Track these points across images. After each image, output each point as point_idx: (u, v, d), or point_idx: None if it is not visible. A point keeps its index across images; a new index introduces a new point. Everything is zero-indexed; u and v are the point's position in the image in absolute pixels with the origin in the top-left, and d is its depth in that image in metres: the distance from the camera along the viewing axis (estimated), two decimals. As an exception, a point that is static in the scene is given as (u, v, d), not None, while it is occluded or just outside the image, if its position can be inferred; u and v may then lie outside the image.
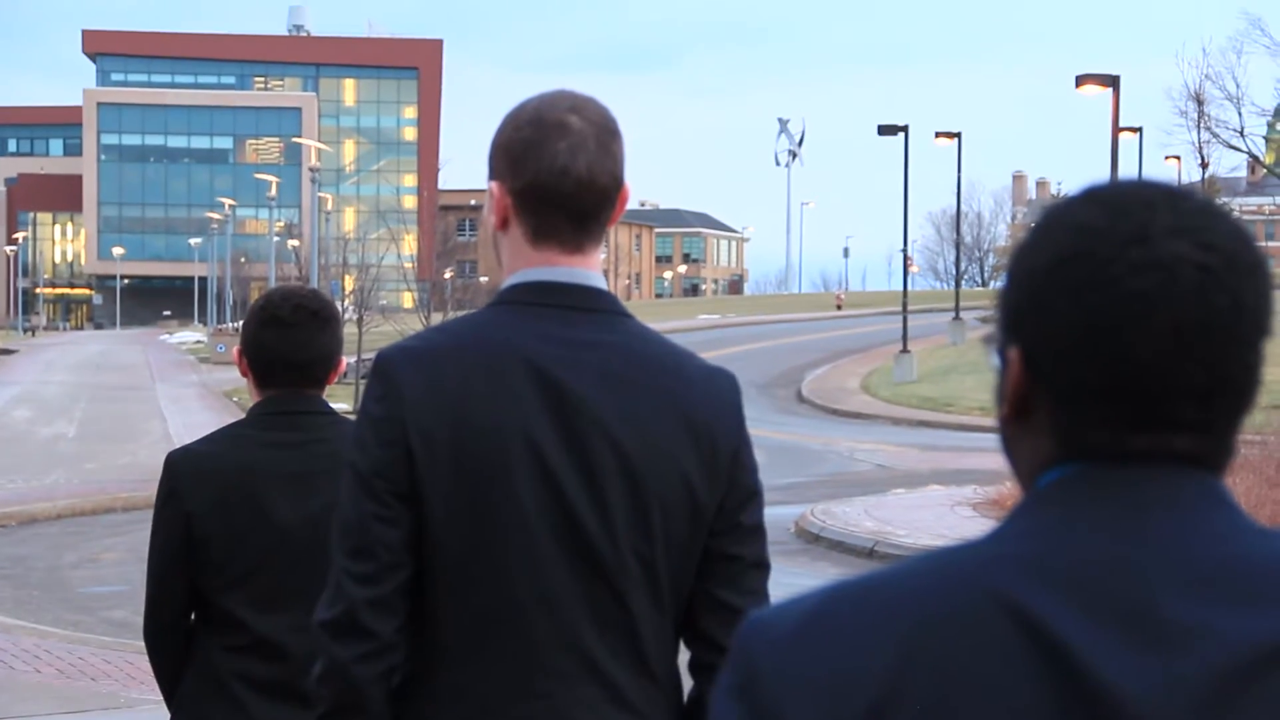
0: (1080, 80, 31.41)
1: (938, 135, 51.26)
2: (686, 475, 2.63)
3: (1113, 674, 1.30)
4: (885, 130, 48.14)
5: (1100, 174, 1.52)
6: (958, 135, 50.96)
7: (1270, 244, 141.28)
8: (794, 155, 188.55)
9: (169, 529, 3.80)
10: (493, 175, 2.71)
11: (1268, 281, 1.38)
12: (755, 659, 1.39)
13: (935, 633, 1.34)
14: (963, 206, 57.38)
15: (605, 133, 2.68)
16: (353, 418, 2.86)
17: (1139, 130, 48.21)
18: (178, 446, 3.90)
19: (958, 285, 65.25)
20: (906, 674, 1.33)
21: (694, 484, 2.64)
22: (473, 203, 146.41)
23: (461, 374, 2.57)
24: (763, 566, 2.74)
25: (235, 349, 3.97)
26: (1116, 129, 30.48)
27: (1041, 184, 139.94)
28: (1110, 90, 30.79)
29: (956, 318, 57.88)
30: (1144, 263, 1.35)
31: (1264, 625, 1.31)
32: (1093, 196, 1.40)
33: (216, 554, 3.77)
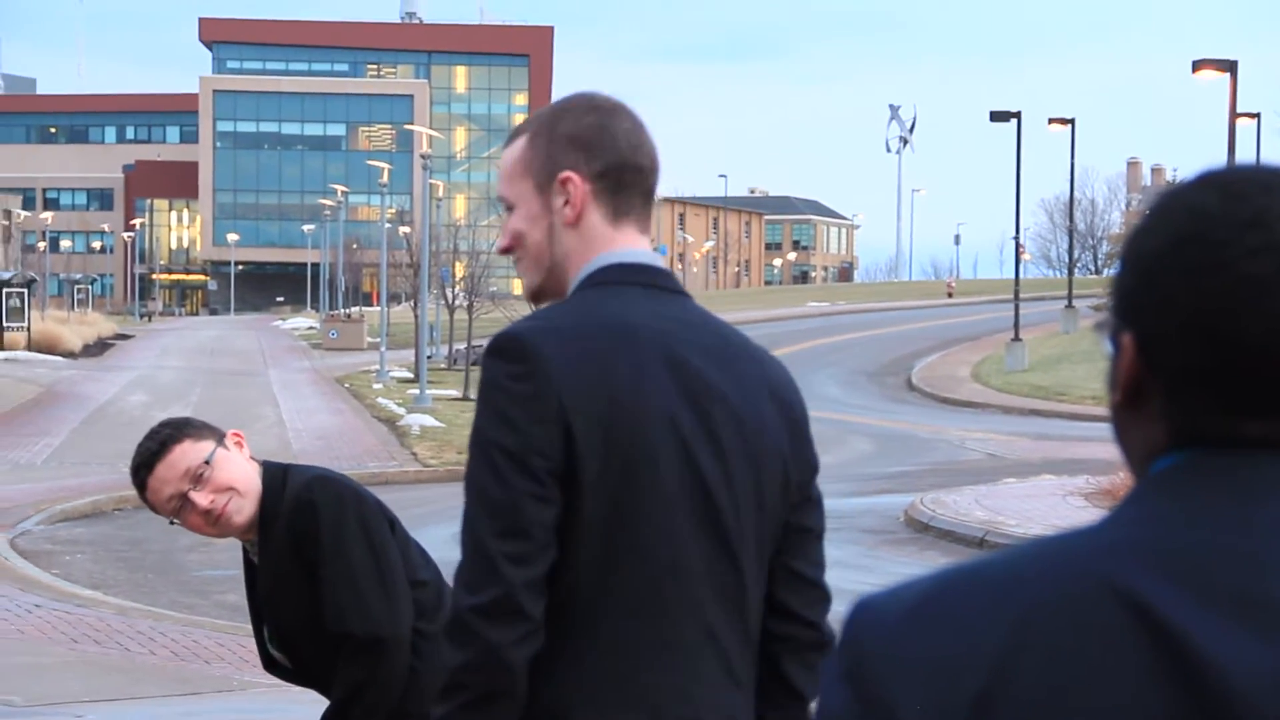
0: (1197, 65, 31.01)
1: (1051, 121, 50.81)
2: (781, 449, 2.74)
3: (1224, 660, 1.29)
4: (997, 117, 47.77)
5: (1217, 160, 1.50)
6: (1071, 121, 50.46)
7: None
8: (905, 142, 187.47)
9: None
10: (555, 172, 2.73)
11: None
12: (864, 643, 1.38)
13: (1045, 619, 1.33)
14: (1076, 193, 56.87)
15: (643, 122, 2.82)
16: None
17: (1257, 116, 47.47)
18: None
19: (1070, 273, 64.63)
20: (1016, 659, 1.32)
21: (786, 457, 2.75)
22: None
23: (602, 352, 2.60)
24: (823, 538, 2.86)
25: None
26: (1234, 115, 30.06)
27: (1157, 171, 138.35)
28: (1228, 75, 30.37)
29: (1069, 306, 57.35)
30: (1260, 247, 1.33)
31: None
32: (1208, 180, 1.39)
33: None
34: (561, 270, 2.74)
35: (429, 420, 31.70)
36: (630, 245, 2.73)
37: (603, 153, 2.72)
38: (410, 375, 44.71)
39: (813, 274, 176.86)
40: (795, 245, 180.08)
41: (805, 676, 2.80)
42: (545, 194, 2.74)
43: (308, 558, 3.92)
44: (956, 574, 1.40)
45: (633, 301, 2.69)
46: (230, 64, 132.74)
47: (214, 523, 3.97)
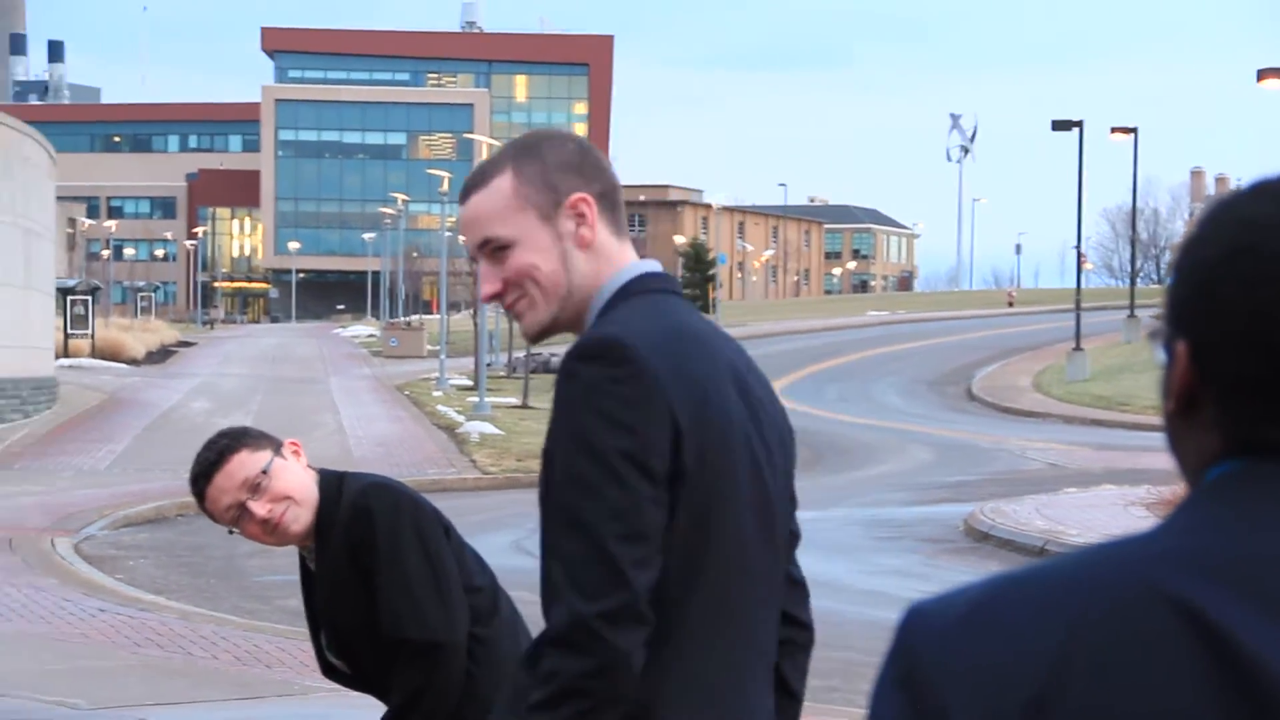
0: (1262, 74, 30.79)
1: (1113, 131, 50.54)
2: (792, 453, 2.83)
3: (1278, 666, 1.29)
4: (1059, 125, 47.59)
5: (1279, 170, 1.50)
6: (1134, 130, 50.17)
7: None
8: (966, 151, 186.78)
9: None
10: (560, 199, 2.74)
11: None
12: (917, 649, 1.39)
13: (1097, 625, 1.33)
14: (1139, 203, 56.56)
15: None
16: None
17: (1322, 124, 47.05)
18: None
19: (1133, 282, 64.23)
20: (1068, 666, 1.32)
21: (792, 461, 2.83)
22: (641, 198, 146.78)
23: (685, 357, 2.63)
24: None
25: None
26: (1298, 123, 29.82)
27: (1220, 180, 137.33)
28: (1292, 83, 30.12)
29: (1131, 315, 56.99)
30: None
31: None
32: (1262, 190, 1.39)
33: None
34: (580, 296, 2.74)
35: (488, 428, 31.78)
36: (638, 258, 2.78)
37: (597, 175, 2.76)
38: (470, 383, 44.86)
39: (872, 283, 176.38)
40: (855, 254, 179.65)
41: (800, 677, 2.91)
42: (550, 223, 2.73)
43: (364, 565, 3.95)
44: (1008, 580, 1.40)
45: (680, 308, 2.74)
46: (292, 73, 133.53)
47: (271, 531, 4.00)
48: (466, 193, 2.80)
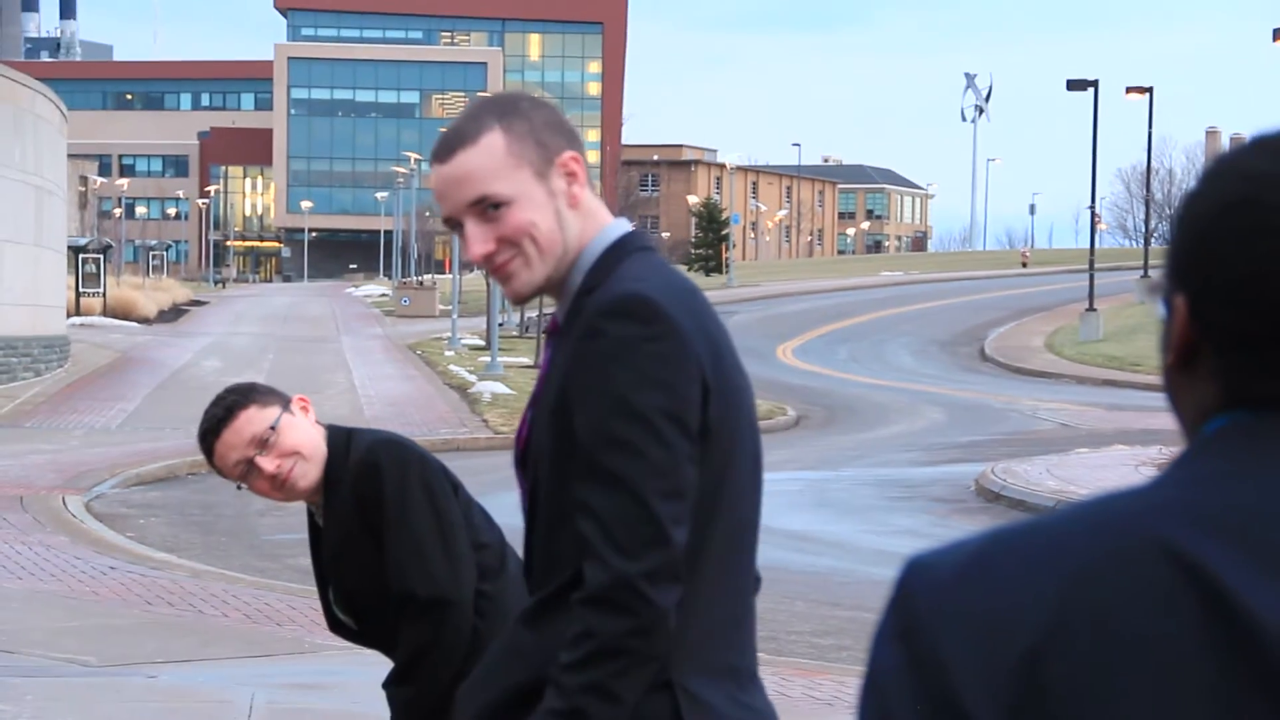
0: (1277, 34, 30.64)
1: (1128, 90, 50.39)
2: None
3: (1270, 617, 1.30)
4: (1074, 85, 47.44)
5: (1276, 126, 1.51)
6: (1149, 90, 50.02)
7: None
8: (981, 111, 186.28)
9: None
10: (552, 157, 2.74)
11: None
12: (916, 601, 1.39)
13: (1095, 577, 1.34)
14: (1153, 163, 56.44)
15: None
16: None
17: (1338, 84, 46.83)
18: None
19: (1147, 243, 64.12)
20: (1066, 617, 1.33)
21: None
22: (655, 158, 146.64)
23: (698, 314, 2.65)
24: None
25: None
26: (1314, 83, 29.70)
27: (1235, 140, 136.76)
28: (1308, 43, 29.99)
29: (1145, 275, 56.92)
30: None
31: None
32: (1261, 144, 1.40)
33: None
34: (571, 255, 2.73)
35: (500, 388, 31.82)
36: (612, 217, 2.80)
37: (574, 137, 2.78)
38: (482, 343, 44.91)
39: (886, 243, 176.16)
40: (869, 214, 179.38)
41: None
42: (545, 181, 2.73)
43: (372, 521, 3.96)
44: (1008, 533, 1.41)
45: (671, 266, 2.77)
46: (305, 31, 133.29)
47: (280, 487, 4.01)
48: (451, 150, 2.75)
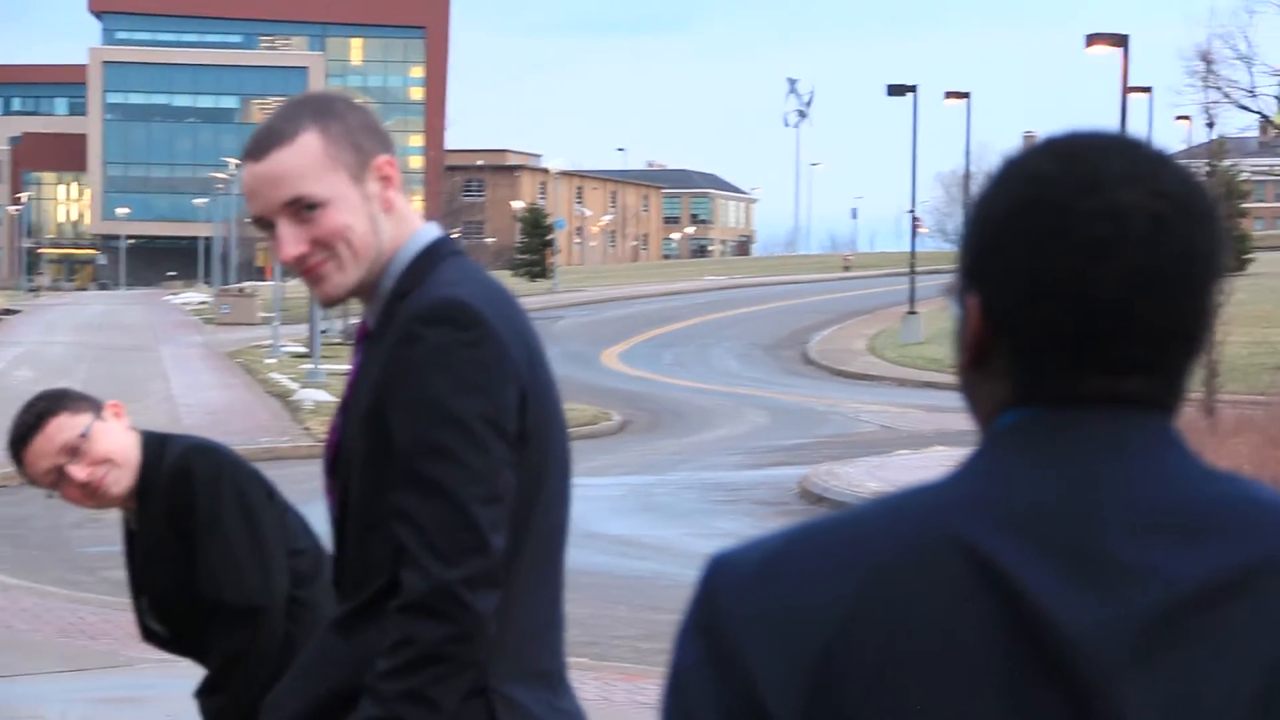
0: (1090, 40, 31.29)
1: (947, 96, 51.15)
2: None
3: (1058, 611, 1.33)
4: (894, 90, 48.10)
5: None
6: (967, 96, 50.83)
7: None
8: (803, 116, 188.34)
9: None
10: (367, 160, 2.72)
11: (1218, 228, 1.41)
12: (718, 598, 1.41)
13: (891, 572, 1.36)
14: (972, 167, 57.34)
15: None
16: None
17: (1149, 90, 48.01)
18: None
19: (964, 247, 65.03)
20: (864, 612, 1.36)
21: None
22: (479, 163, 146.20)
23: (514, 319, 2.65)
24: None
25: None
26: (1126, 89, 30.40)
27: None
28: (1120, 50, 30.68)
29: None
30: (1098, 211, 1.38)
31: (1206, 563, 1.34)
32: (1049, 147, 1.43)
33: None
34: (384, 259, 2.71)
35: (323, 395, 31.50)
36: (423, 222, 2.78)
37: (388, 140, 2.77)
38: (304, 350, 44.43)
39: (711, 248, 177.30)
40: (694, 219, 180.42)
41: None
42: (360, 184, 2.71)
43: (184, 527, 3.91)
44: (807, 530, 1.44)
45: (483, 270, 2.76)
46: (120, 35, 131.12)
47: (92, 495, 3.95)
48: (265, 149, 2.71)
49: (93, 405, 4.00)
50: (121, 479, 3.94)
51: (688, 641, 1.41)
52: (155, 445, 3.99)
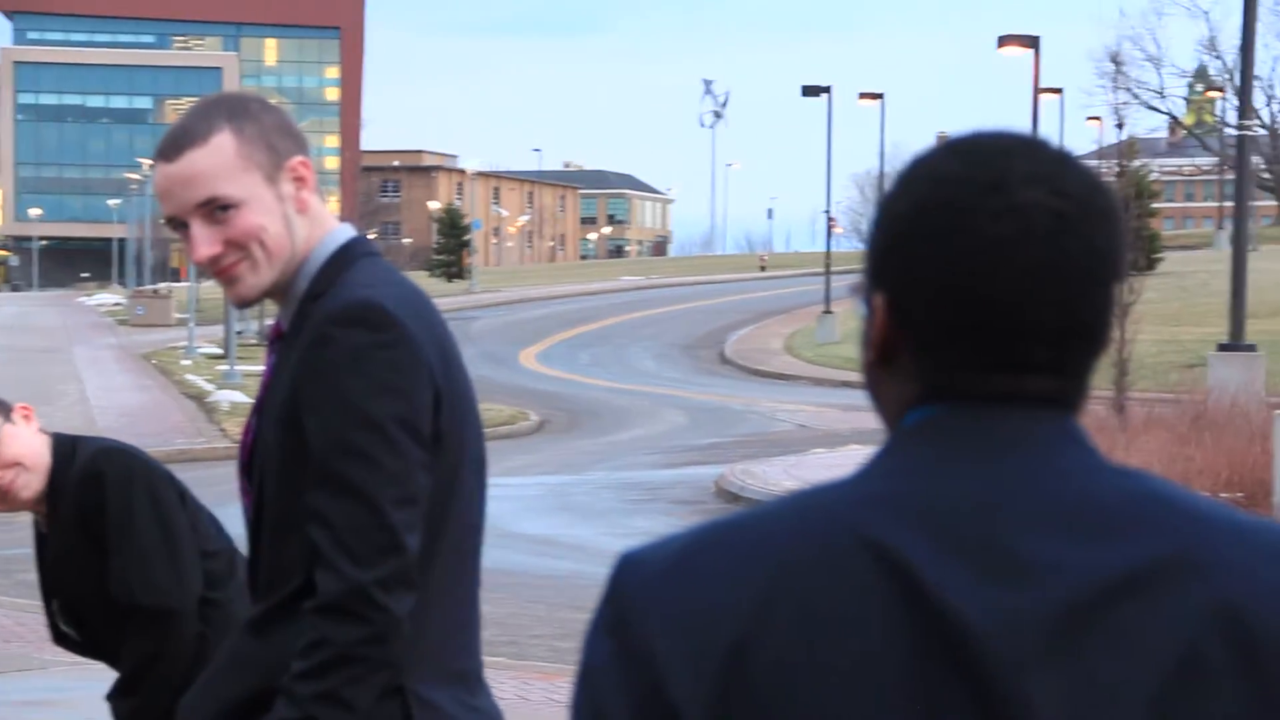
0: (1002, 41, 31.52)
1: (861, 97, 51.39)
2: None
3: (964, 606, 1.34)
4: (809, 91, 48.27)
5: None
6: (881, 96, 51.07)
7: (1190, 204, 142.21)
8: (718, 116, 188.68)
9: None
10: (281, 161, 2.72)
11: (1120, 228, 1.42)
12: (627, 595, 1.41)
13: (798, 569, 1.37)
14: (886, 168, 57.65)
15: None
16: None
17: (1060, 91, 48.46)
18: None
19: (880, 246, 65.32)
20: (771, 609, 1.36)
21: None
22: (395, 164, 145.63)
23: (428, 320, 2.65)
24: None
25: None
26: (1037, 90, 30.65)
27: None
28: (1031, 51, 30.94)
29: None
30: (1000, 210, 1.39)
31: (1110, 559, 1.35)
32: (953, 148, 1.44)
33: None
34: (297, 260, 2.71)
35: (239, 396, 31.28)
36: (338, 223, 2.78)
37: (303, 141, 2.77)
38: (220, 351, 44.10)
39: (627, 248, 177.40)
40: (610, 219, 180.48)
41: None
42: (274, 185, 2.71)
43: (95, 530, 3.89)
44: (717, 527, 1.44)
45: (396, 270, 2.77)
46: (32, 35, 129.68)
47: (1, 498, 3.91)
48: (179, 149, 2.70)
49: (2, 408, 3.97)
50: (32, 482, 3.91)
51: (597, 639, 1.42)
52: (66, 448, 3.96)
